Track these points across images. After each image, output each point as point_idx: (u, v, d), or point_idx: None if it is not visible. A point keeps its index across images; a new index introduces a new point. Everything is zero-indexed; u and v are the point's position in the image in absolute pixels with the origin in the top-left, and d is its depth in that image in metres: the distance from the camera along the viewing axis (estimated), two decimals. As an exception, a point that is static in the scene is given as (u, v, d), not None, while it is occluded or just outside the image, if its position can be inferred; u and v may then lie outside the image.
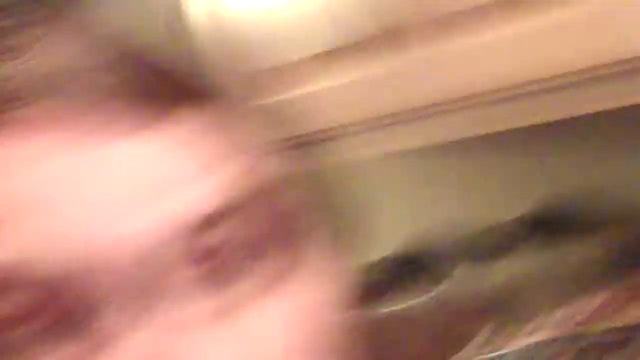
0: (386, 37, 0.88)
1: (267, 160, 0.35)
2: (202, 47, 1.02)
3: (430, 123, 0.89)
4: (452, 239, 1.05)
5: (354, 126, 0.93)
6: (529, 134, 0.89)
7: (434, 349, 0.91)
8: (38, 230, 0.31)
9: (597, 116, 0.75)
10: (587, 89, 0.74)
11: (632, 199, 0.99)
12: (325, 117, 0.92)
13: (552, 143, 1.08)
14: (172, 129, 0.33)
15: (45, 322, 0.32)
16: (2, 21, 0.34)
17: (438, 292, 1.00)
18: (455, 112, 0.85)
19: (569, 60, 0.73)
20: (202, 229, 0.33)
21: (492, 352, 0.83)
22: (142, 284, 0.32)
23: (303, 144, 0.39)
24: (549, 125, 0.80)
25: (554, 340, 0.79)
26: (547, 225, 1.01)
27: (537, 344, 0.79)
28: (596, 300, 0.85)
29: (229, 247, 0.33)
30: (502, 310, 0.92)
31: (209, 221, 0.33)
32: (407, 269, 1.02)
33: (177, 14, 1.06)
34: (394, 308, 0.97)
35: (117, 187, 0.32)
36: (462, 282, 1.00)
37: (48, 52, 0.33)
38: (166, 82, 0.35)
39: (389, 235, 1.03)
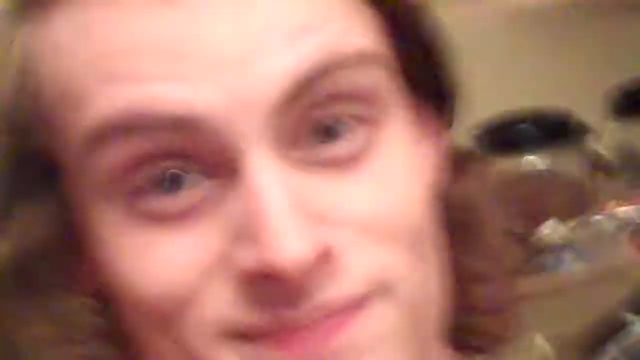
0: None
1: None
2: None
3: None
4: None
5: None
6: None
7: (572, 204, 0.97)
8: (175, 71, 0.32)
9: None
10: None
11: None
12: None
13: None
14: None
15: (188, 158, 0.33)
16: None
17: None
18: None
19: None
20: (329, 72, 0.33)
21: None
22: (282, 125, 0.33)
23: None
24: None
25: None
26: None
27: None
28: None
29: (342, 97, 0.34)
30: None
31: (331, 67, 0.33)
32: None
33: None
34: (536, 166, 1.01)
35: (256, 28, 0.32)
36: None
37: None
38: None
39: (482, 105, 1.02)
